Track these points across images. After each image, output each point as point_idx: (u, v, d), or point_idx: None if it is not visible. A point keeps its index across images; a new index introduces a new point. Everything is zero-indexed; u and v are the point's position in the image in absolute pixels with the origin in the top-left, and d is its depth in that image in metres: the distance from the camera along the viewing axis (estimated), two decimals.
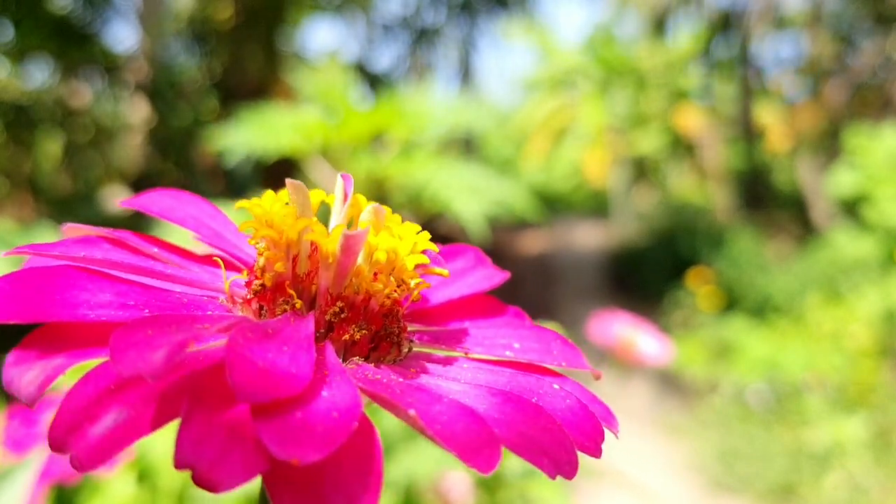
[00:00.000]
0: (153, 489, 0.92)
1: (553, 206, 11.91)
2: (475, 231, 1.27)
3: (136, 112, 5.63)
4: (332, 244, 0.29)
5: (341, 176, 0.34)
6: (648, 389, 4.59)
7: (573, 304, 6.66)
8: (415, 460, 1.06)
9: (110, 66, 5.49)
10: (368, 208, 0.31)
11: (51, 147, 5.47)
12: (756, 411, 4.25)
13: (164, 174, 5.52)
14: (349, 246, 0.29)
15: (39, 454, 0.88)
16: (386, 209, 0.32)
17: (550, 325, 1.01)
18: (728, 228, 7.26)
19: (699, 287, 5.76)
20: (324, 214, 0.34)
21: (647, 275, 6.99)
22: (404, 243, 0.31)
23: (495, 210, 1.37)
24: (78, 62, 5.35)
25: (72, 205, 4.87)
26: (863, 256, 5.04)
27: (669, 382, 4.75)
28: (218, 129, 1.48)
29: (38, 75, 5.62)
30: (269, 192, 0.32)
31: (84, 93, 5.80)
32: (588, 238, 10.10)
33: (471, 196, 1.31)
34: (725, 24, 8.90)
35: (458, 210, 1.28)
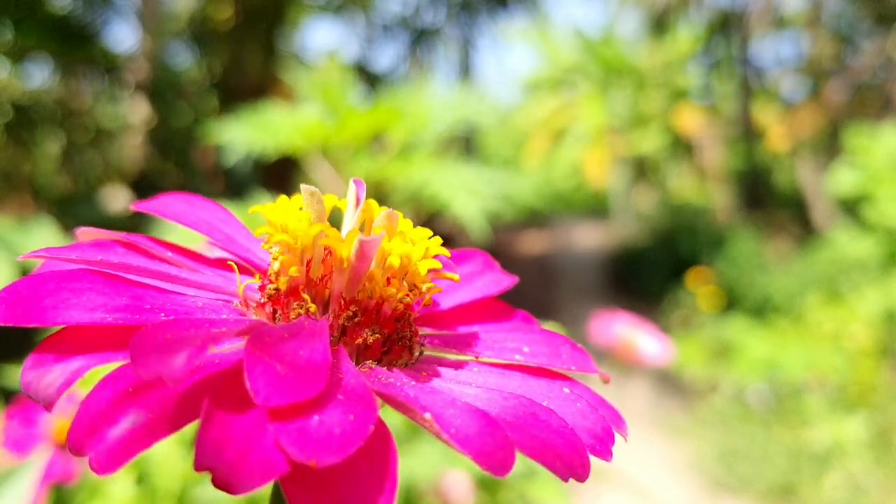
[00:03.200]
0: (152, 490, 0.93)
1: (553, 206, 11.91)
2: (476, 231, 1.27)
3: (136, 112, 5.63)
4: (346, 249, 0.30)
5: (353, 181, 0.34)
6: (648, 389, 4.60)
7: (573, 304, 6.67)
8: (415, 460, 1.07)
9: (110, 66, 5.48)
10: (382, 214, 0.32)
11: (51, 147, 5.47)
12: (756, 411, 4.26)
13: (164, 174, 5.52)
14: (364, 251, 0.29)
15: (41, 454, 0.88)
16: (398, 214, 0.32)
17: (551, 326, 1.02)
18: (728, 228, 7.26)
19: (699, 287, 5.76)
20: (331, 218, 0.35)
21: (647, 275, 6.99)
22: (417, 248, 0.31)
23: (499, 206, 1.37)
24: (78, 62, 5.35)
25: (72, 205, 4.87)
26: (863, 256, 5.04)
27: (669, 382, 4.76)
28: (217, 124, 1.48)
29: (38, 75, 5.62)
30: (283, 198, 0.32)
31: (84, 93, 5.80)
32: (588, 238, 10.10)
33: (471, 196, 1.31)
34: (725, 24, 8.90)
35: (458, 211, 1.29)
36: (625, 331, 1.56)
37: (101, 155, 5.76)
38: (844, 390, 4.24)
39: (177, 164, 5.57)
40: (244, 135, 1.37)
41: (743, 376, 4.56)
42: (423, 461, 1.07)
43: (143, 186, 5.10)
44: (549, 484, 1.07)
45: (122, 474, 0.93)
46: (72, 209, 4.61)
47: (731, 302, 5.71)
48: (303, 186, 0.31)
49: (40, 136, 5.30)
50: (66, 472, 0.88)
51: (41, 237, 1.42)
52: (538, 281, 7.60)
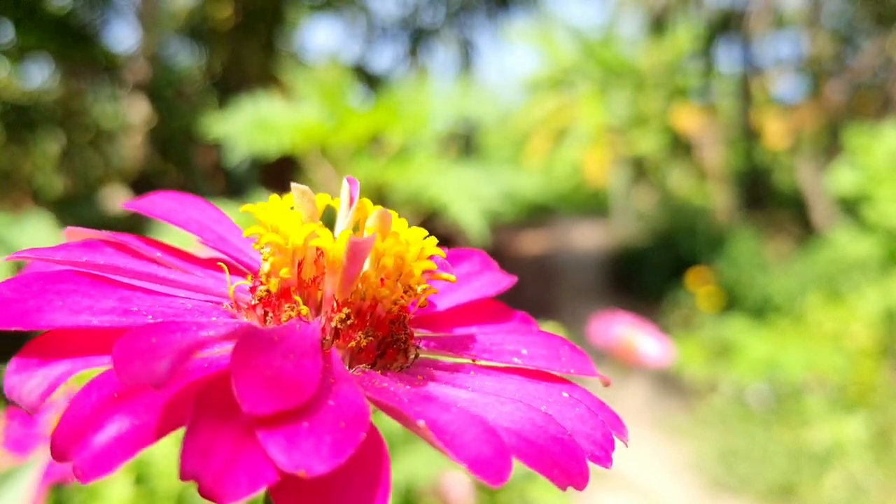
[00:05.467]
0: (151, 492, 0.92)
1: (553, 206, 11.91)
2: (474, 233, 1.27)
3: (136, 112, 5.62)
4: (338, 250, 0.29)
5: (347, 180, 0.33)
6: (648, 390, 4.59)
7: (573, 304, 6.66)
8: (415, 461, 1.06)
9: (110, 66, 5.48)
10: (375, 214, 0.31)
11: (51, 147, 5.47)
12: (756, 411, 4.25)
13: (164, 174, 5.52)
14: (356, 253, 0.28)
15: (41, 455, 0.88)
16: (392, 213, 0.31)
17: (550, 326, 1.01)
18: (728, 228, 7.26)
19: (699, 287, 5.76)
20: (328, 217, 0.34)
21: (647, 275, 6.99)
22: (411, 249, 0.31)
23: (499, 206, 1.37)
24: (78, 62, 5.34)
25: (71, 205, 4.87)
26: (863, 256, 5.04)
27: (669, 382, 4.75)
28: (215, 117, 1.47)
29: (38, 75, 5.62)
30: (275, 197, 0.31)
31: (84, 93, 5.79)
32: (588, 238, 10.10)
33: (470, 199, 1.30)
34: (725, 24, 8.89)
35: (457, 213, 1.28)
36: (625, 331, 1.55)
37: (101, 155, 5.76)
38: (844, 390, 4.23)
39: (177, 164, 5.56)
40: (243, 134, 1.37)
41: (743, 376, 4.56)
42: (423, 462, 1.06)
43: (143, 186, 5.10)
44: (549, 485, 1.06)
45: (122, 475, 0.92)
46: (71, 209, 4.60)
47: (731, 302, 5.71)
48: (294, 185, 0.31)
49: (40, 136, 5.29)
50: (65, 473, 0.88)
51: (35, 233, 1.42)
52: (538, 281, 7.59)
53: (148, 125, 5.55)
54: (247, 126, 1.38)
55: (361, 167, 1.37)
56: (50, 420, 0.92)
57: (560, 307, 6.48)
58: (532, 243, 9.84)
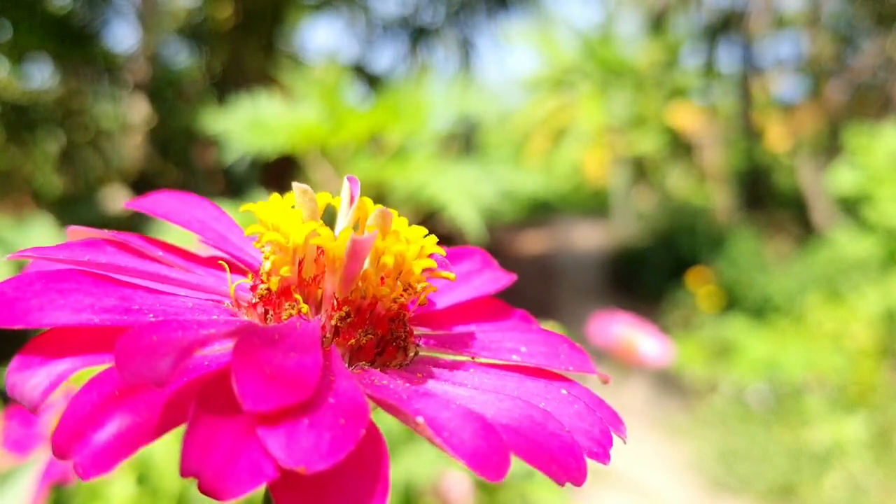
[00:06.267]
0: (153, 491, 0.92)
1: (553, 205, 11.92)
2: (473, 232, 1.27)
3: (136, 112, 5.63)
4: (339, 249, 0.29)
5: (347, 179, 0.34)
6: (648, 389, 4.59)
7: (573, 304, 6.66)
8: (415, 460, 1.06)
9: (110, 66, 5.48)
10: (375, 212, 0.31)
11: (51, 147, 5.47)
12: (756, 411, 4.25)
13: (164, 174, 5.52)
14: (356, 251, 0.29)
15: (41, 454, 0.88)
16: (392, 212, 0.32)
17: (550, 325, 1.01)
18: (728, 228, 7.26)
19: (699, 287, 5.76)
20: (328, 216, 0.34)
21: (647, 275, 6.99)
22: (412, 247, 0.31)
23: (499, 204, 1.37)
24: (78, 62, 5.34)
25: (71, 205, 4.87)
26: (863, 256, 5.04)
27: (669, 382, 4.75)
28: (214, 113, 1.47)
29: (38, 75, 5.62)
30: (276, 196, 0.31)
31: (84, 93, 5.79)
32: (588, 238, 10.10)
33: (469, 199, 1.31)
34: (725, 24, 8.89)
35: (456, 213, 1.28)
36: (624, 331, 1.55)
37: (101, 155, 5.76)
38: (844, 390, 4.23)
39: (177, 164, 5.56)
40: (243, 135, 1.37)
41: (743, 376, 4.56)
42: (422, 461, 1.06)
43: (143, 186, 5.10)
44: (549, 484, 1.07)
45: (122, 474, 0.92)
46: (72, 209, 4.60)
47: (731, 302, 5.71)
48: (295, 184, 0.31)
49: (40, 136, 5.29)
50: (65, 473, 0.88)
51: (38, 236, 1.42)
52: (538, 280, 7.59)
53: (148, 125, 5.55)
54: (246, 126, 1.38)
55: (361, 167, 1.38)
56: (49, 420, 0.92)
57: (560, 307, 6.48)
58: (532, 243, 9.84)
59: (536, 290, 7.16)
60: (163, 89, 5.46)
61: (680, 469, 3.65)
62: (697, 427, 4.18)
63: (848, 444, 3.60)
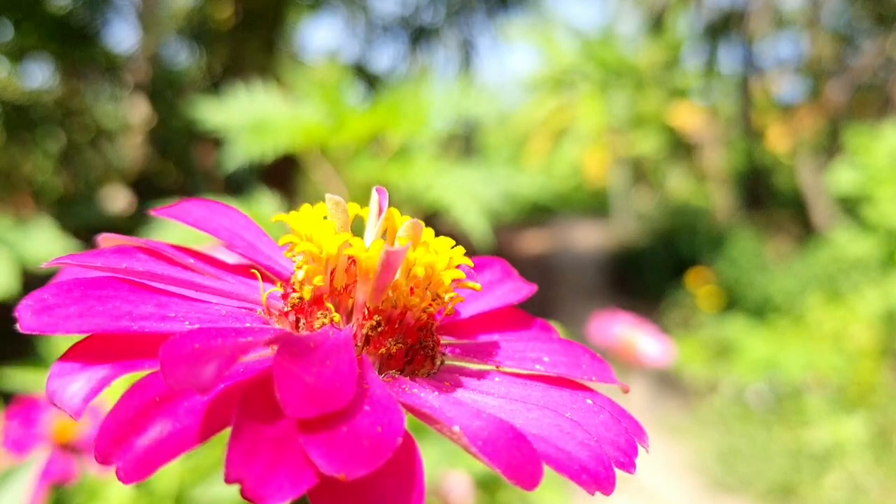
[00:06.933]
0: (150, 492, 0.92)
1: (553, 206, 11.91)
2: (478, 235, 1.28)
3: (136, 112, 5.62)
4: (371, 259, 0.30)
5: (376, 190, 0.34)
6: (648, 389, 4.60)
7: (573, 304, 6.67)
8: None
9: (110, 66, 5.47)
10: (406, 223, 0.32)
11: (51, 147, 5.46)
12: (756, 411, 4.26)
13: (164, 174, 5.51)
14: (389, 262, 0.29)
15: (41, 454, 0.88)
16: (420, 222, 0.32)
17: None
18: (728, 228, 7.26)
19: (699, 287, 5.76)
20: (354, 225, 0.35)
21: (647, 275, 6.99)
22: (441, 258, 0.32)
23: (501, 206, 1.37)
24: (78, 62, 5.33)
25: (72, 205, 4.86)
26: (863, 256, 5.05)
27: (669, 382, 4.76)
28: (211, 104, 1.46)
29: (38, 75, 5.61)
30: (307, 206, 0.32)
31: (84, 93, 5.79)
32: (588, 238, 10.10)
33: (472, 200, 1.31)
34: (725, 24, 8.90)
35: (459, 215, 1.29)
36: (625, 331, 1.56)
37: (101, 155, 5.75)
38: (844, 390, 4.24)
39: (177, 164, 5.56)
40: (242, 136, 1.37)
41: (743, 376, 4.56)
42: (424, 462, 1.07)
43: (143, 186, 5.10)
44: (549, 484, 1.07)
45: None
46: (72, 209, 4.60)
47: (731, 302, 5.71)
48: (328, 196, 0.31)
49: (40, 136, 5.28)
50: (65, 473, 0.88)
51: (40, 238, 1.42)
52: (538, 281, 7.50)
53: (148, 125, 5.54)
54: (246, 127, 1.38)
55: (361, 167, 1.38)
56: (49, 420, 0.93)
57: (560, 307, 6.48)
58: (532, 243, 9.84)
59: (536, 290, 7.15)
60: (163, 89, 5.45)
61: (680, 469, 3.66)
62: (697, 427, 4.19)
63: (848, 444, 3.60)
